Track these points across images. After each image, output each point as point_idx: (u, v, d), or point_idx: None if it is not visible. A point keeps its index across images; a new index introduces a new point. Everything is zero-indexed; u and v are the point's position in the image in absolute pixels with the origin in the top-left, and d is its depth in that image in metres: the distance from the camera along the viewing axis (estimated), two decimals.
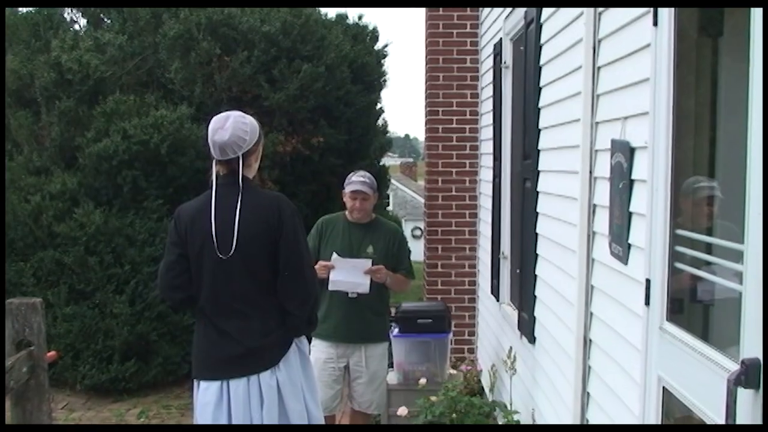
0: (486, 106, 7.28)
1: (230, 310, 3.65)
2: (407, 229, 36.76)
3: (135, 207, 8.10)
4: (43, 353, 3.69)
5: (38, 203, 7.99)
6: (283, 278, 3.63)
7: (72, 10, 9.60)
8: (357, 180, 5.44)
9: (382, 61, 10.66)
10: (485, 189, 7.27)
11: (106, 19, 9.56)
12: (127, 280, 7.95)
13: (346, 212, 5.53)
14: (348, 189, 5.43)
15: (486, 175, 7.22)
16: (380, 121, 11.44)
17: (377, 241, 5.46)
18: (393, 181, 33.08)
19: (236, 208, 3.60)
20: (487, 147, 7.15)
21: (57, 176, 8.17)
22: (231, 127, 3.63)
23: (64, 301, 7.84)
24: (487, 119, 7.19)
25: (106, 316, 7.81)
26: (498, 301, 6.32)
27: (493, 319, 6.71)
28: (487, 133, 7.17)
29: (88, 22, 9.65)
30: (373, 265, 5.36)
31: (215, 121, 3.68)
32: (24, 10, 9.51)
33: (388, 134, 15.10)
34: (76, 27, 9.58)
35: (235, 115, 3.70)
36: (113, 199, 8.08)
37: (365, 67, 9.88)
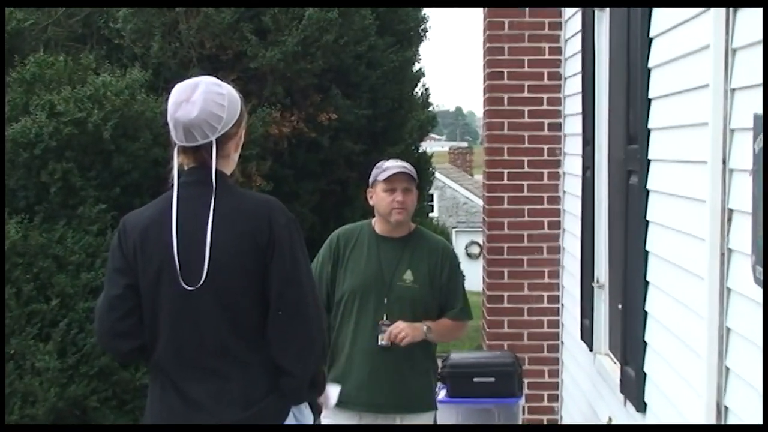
0: (572, 66, 7.26)
1: (199, 368, 3.61)
2: (459, 244, 36.70)
3: (66, 215, 8.13)
4: None
5: None
6: (275, 319, 3.58)
7: None
8: (395, 164, 5.37)
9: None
10: (571, 187, 7.26)
11: None
12: (55, 320, 7.98)
13: (374, 220, 5.46)
14: (382, 177, 5.32)
15: (572, 166, 7.21)
16: (419, 89, 11.46)
17: (419, 264, 5.37)
18: (439, 175, 33.07)
19: (208, 216, 3.56)
20: (573, 125, 7.13)
21: None
22: (201, 99, 3.57)
23: None
24: (573, 85, 7.17)
25: (26, 373, 7.83)
26: (591, 350, 6.30)
27: (584, 376, 6.68)
28: (573, 105, 7.15)
29: None
30: (407, 298, 5.27)
31: (178, 91, 3.63)
32: None
33: (430, 108, 15.07)
34: None
35: (207, 81, 3.66)
36: (35, 204, 8.12)
37: (396, 10, 9.88)
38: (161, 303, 3.62)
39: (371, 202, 5.38)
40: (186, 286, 3.53)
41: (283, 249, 3.56)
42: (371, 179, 5.37)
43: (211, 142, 3.57)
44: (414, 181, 5.36)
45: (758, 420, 3.39)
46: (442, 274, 5.38)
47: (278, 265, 3.56)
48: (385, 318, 5.25)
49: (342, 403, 4.91)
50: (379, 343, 5.21)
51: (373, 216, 5.44)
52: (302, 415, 3.77)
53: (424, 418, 5.45)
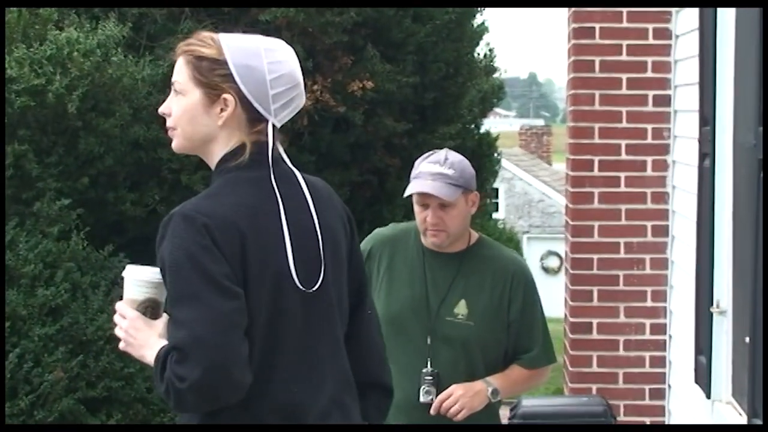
0: (685, 22, 7.24)
1: (329, 405, 3.61)
2: (533, 255, 36.76)
3: (19, 212, 8.16)
4: None
5: None
6: (366, 323, 3.72)
7: None
8: (428, 170, 5.03)
9: None
10: (683, 180, 7.25)
11: None
12: (4, 350, 7.97)
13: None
14: (409, 188, 5.03)
15: (685, 153, 7.17)
16: (482, 50, 11.41)
17: (477, 293, 5.09)
18: (506, 163, 33.10)
19: (305, 199, 3.63)
20: (687, 100, 7.10)
21: None
22: (296, 66, 3.68)
23: None
24: (687, 46, 7.14)
25: None
26: (709, 396, 6.22)
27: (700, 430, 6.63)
28: (687, 73, 7.11)
29: None
30: (458, 340, 5.01)
31: (281, 51, 3.67)
32: None
33: (496, 75, 15.06)
34: None
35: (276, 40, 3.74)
36: None
37: None
38: (285, 313, 3.59)
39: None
40: (303, 288, 3.55)
41: (355, 236, 3.77)
42: (411, 177, 5.11)
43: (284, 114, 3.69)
44: (457, 189, 4.99)
45: None
46: (511, 307, 5.09)
47: (360, 256, 3.79)
48: (428, 365, 4.95)
49: None
50: (421, 400, 4.96)
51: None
52: None
53: None
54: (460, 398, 4.88)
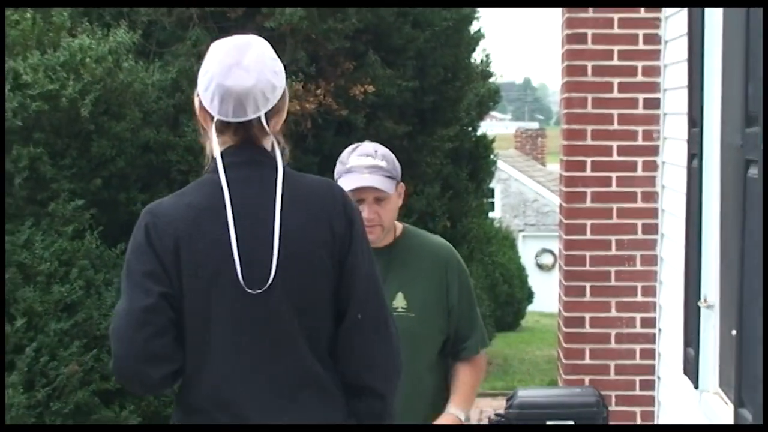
0: (674, 27, 7.26)
1: (270, 399, 3.56)
2: (528, 252, 36.73)
3: (34, 213, 8.16)
4: None
5: None
6: (355, 327, 3.57)
7: None
8: (362, 164, 4.78)
9: None
10: (672, 180, 7.27)
11: None
12: (21, 345, 8.01)
13: None
14: (344, 183, 4.61)
15: (674, 154, 7.20)
16: (478, 56, 11.43)
17: (414, 283, 4.82)
18: (502, 164, 33.01)
19: (273, 200, 3.54)
20: (676, 102, 7.12)
21: None
22: (255, 64, 3.57)
23: None
24: (675, 51, 7.17)
25: None
26: (697, 387, 6.25)
27: (687, 420, 6.66)
28: (676, 76, 7.14)
29: None
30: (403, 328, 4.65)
31: (223, 52, 3.61)
32: None
33: (492, 79, 15.07)
34: None
35: (258, 42, 3.66)
36: None
37: None
38: (218, 314, 3.56)
39: None
40: (249, 290, 3.49)
41: (361, 241, 3.62)
42: (336, 174, 4.81)
43: (260, 117, 3.57)
44: (392, 182, 4.76)
45: None
46: (449, 293, 4.83)
47: (360, 259, 3.59)
48: None
49: None
50: None
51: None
52: None
53: None
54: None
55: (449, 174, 12.32)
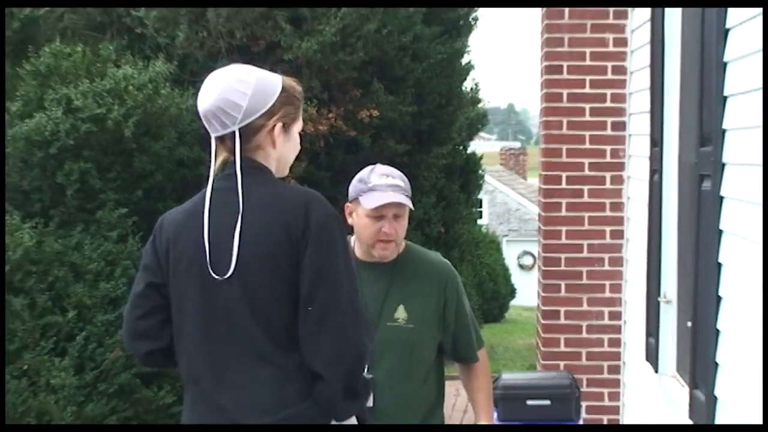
0: (638, 60, 7.26)
1: (231, 373, 3.57)
2: (510, 255, 36.73)
3: (84, 220, 8.17)
4: None
5: None
6: (305, 317, 3.51)
7: None
8: (384, 183, 4.51)
9: None
10: (636, 192, 7.26)
11: None
12: (72, 333, 8.01)
13: (353, 240, 4.61)
14: (368, 202, 4.46)
15: (638, 170, 7.20)
16: (468, 84, 11.46)
17: (414, 297, 4.57)
18: (489, 178, 33.14)
19: (239, 205, 3.54)
20: (640, 125, 7.12)
21: None
22: (220, 86, 3.57)
23: None
24: (640, 80, 7.16)
25: (40, 390, 7.87)
26: (656, 371, 6.28)
27: (648, 400, 6.67)
28: (640, 102, 7.14)
29: None
30: (400, 343, 4.48)
31: (207, 78, 3.63)
32: None
33: (481, 104, 15.08)
34: None
35: (236, 68, 3.64)
36: (51, 208, 8.16)
37: None
38: (190, 298, 3.62)
39: (349, 221, 4.56)
40: (214, 276, 3.51)
41: (319, 242, 3.49)
42: (352, 192, 4.54)
43: (234, 132, 3.56)
44: (408, 200, 4.50)
45: None
46: (446, 308, 4.60)
47: (312, 258, 3.49)
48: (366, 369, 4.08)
49: None
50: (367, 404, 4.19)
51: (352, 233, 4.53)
52: None
53: None
54: None
55: (443, 186, 12.36)
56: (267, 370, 3.53)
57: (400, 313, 4.44)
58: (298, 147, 3.70)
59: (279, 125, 3.57)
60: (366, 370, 3.61)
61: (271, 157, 3.61)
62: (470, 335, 4.68)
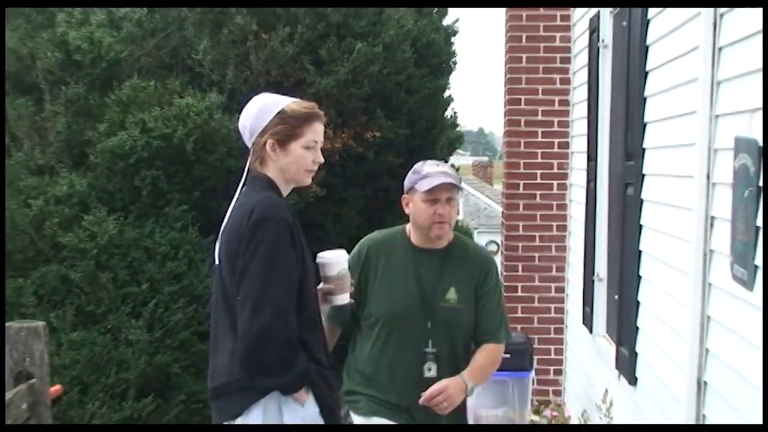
0: (579, 95, 7.24)
1: (216, 340, 3.46)
2: (481, 243, 36.50)
3: (155, 214, 8.23)
4: (45, 387, 3.76)
5: (41, 209, 8.14)
6: (238, 305, 3.31)
7: None
8: (436, 170, 4.00)
9: (452, 40, 10.66)
10: (577, 196, 7.23)
11: None
12: (145, 301, 8.06)
13: (408, 228, 4.11)
14: (422, 186, 3.96)
15: (578, 178, 7.18)
16: (449, 112, 11.48)
17: (462, 280, 4.05)
18: (464, 184, 33.04)
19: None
20: (579, 144, 7.10)
21: (63, 177, 8.33)
22: (243, 112, 3.48)
23: (71, 326, 7.97)
24: (580, 110, 7.15)
25: (120, 344, 7.93)
26: (591, 332, 6.28)
27: (584, 354, 6.67)
28: (580, 127, 7.12)
29: None
30: (453, 322, 3.99)
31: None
32: None
33: (458, 128, 15.08)
34: None
35: (255, 97, 3.48)
36: (129, 205, 8.22)
37: (431, 46, 9.90)
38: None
39: (407, 210, 4.06)
40: (216, 262, 3.43)
41: (248, 242, 3.27)
42: (407, 185, 4.04)
43: (250, 147, 3.44)
44: (457, 189, 4.03)
45: (733, 393, 3.38)
46: (482, 289, 4.06)
47: (243, 256, 3.29)
48: (430, 345, 3.92)
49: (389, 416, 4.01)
50: (425, 375, 3.93)
51: (407, 221, 4.11)
52: (288, 406, 3.31)
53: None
54: (447, 396, 3.87)
55: None
56: (228, 343, 3.34)
57: (451, 295, 3.97)
58: (303, 159, 3.38)
59: (270, 141, 3.33)
60: (281, 353, 3.25)
61: (274, 168, 3.37)
62: (493, 322, 4.07)
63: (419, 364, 3.91)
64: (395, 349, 3.96)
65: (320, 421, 3.31)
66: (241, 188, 3.43)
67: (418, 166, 4.05)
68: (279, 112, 3.35)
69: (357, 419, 4.06)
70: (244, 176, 3.44)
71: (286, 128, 3.33)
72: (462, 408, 4.08)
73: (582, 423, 6.22)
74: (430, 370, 3.89)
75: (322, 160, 3.42)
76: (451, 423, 4.05)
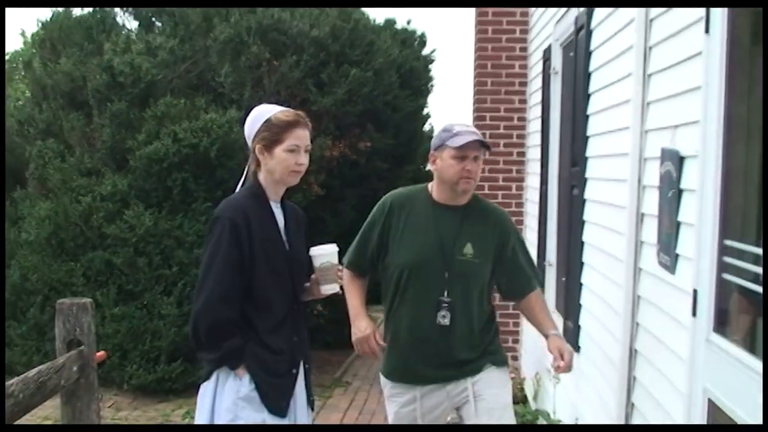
0: (534, 113, 7.27)
1: None
2: None
3: (184, 209, 8.19)
4: (92, 353, 3.77)
5: (89, 204, 8.13)
6: None
7: (124, 14, 9.77)
8: (466, 129, 3.58)
9: (430, 66, 10.69)
10: (532, 196, 7.26)
11: (157, 23, 9.71)
12: (175, 281, 8.03)
13: (431, 186, 3.71)
14: (453, 143, 3.53)
15: (533, 181, 7.20)
16: (427, 126, 11.50)
17: (480, 237, 3.61)
18: None
19: None
20: (534, 153, 7.13)
21: (108, 178, 8.31)
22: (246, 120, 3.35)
23: (113, 302, 7.96)
24: (534, 125, 7.17)
25: (154, 317, 7.90)
26: None
27: None
28: (534, 139, 7.14)
29: (140, 25, 9.80)
30: (469, 274, 3.59)
31: None
32: (77, 12, 9.69)
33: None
34: (128, 30, 9.73)
35: (258, 106, 3.37)
36: (163, 201, 8.19)
37: (413, 72, 9.92)
38: None
39: (433, 168, 3.66)
40: None
41: (206, 242, 3.20)
42: (437, 142, 3.62)
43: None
44: (484, 149, 3.62)
45: (657, 358, 3.40)
46: (506, 248, 3.65)
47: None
48: (446, 295, 3.55)
49: (406, 379, 3.66)
50: (439, 322, 3.55)
51: (429, 181, 3.78)
52: (229, 381, 3.15)
53: (498, 373, 3.66)
54: (570, 360, 3.53)
55: None
56: None
57: (468, 249, 3.57)
58: (286, 161, 3.19)
59: (259, 146, 3.21)
60: (209, 335, 3.09)
61: (265, 170, 3.24)
62: (526, 272, 3.72)
63: (434, 312, 3.53)
64: (413, 298, 3.58)
65: (256, 400, 3.10)
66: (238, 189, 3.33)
67: (448, 125, 3.62)
68: (266, 121, 3.22)
69: (382, 379, 3.76)
70: (243, 177, 3.35)
71: (270, 134, 3.20)
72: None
73: (535, 383, 6.23)
74: (445, 317, 3.53)
75: (303, 161, 3.21)
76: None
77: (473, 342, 3.59)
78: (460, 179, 3.53)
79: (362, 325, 3.65)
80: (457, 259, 3.54)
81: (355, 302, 3.75)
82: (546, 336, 3.62)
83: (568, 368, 3.49)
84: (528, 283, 3.71)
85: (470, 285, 3.58)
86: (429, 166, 3.67)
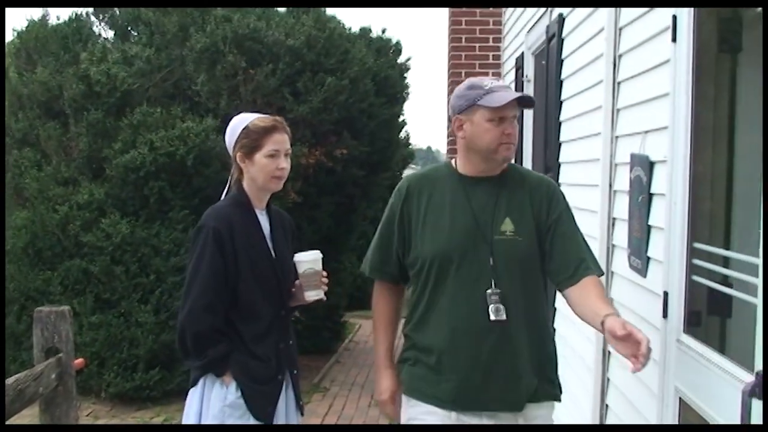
0: None
1: None
2: None
3: (161, 217, 8.16)
4: (71, 360, 3.76)
5: (66, 213, 8.08)
6: None
7: (101, 23, 9.72)
8: (500, 85, 2.82)
9: (405, 75, 10.73)
10: None
11: (133, 32, 9.67)
12: (152, 289, 8.00)
13: (454, 160, 2.96)
14: (492, 101, 2.75)
15: None
16: (402, 134, 11.55)
17: (519, 209, 2.83)
18: None
19: None
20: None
21: (84, 187, 8.27)
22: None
23: (90, 310, 7.92)
24: None
25: (131, 325, 7.86)
26: None
27: None
28: None
29: (115, 34, 9.76)
30: (515, 257, 2.78)
31: None
32: (54, 21, 9.63)
33: (410, 146, 15.18)
34: (104, 40, 9.68)
35: (237, 116, 3.33)
36: (139, 210, 8.16)
37: (388, 80, 9.94)
38: None
39: (460, 134, 2.85)
40: None
41: (191, 248, 3.18)
42: (462, 103, 2.82)
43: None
44: (525, 105, 2.89)
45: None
46: (550, 216, 2.81)
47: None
48: (493, 286, 2.72)
49: (438, 400, 2.78)
50: (493, 318, 2.71)
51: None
52: (216, 388, 3.11)
53: (543, 411, 2.82)
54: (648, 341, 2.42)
55: (387, 197, 12.32)
56: None
57: (507, 226, 2.77)
58: (267, 167, 3.13)
59: (239, 154, 3.17)
60: (193, 343, 3.04)
61: (248, 178, 3.18)
62: (580, 250, 2.79)
63: (481, 309, 2.72)
64: (450, 294, 2.77)
65: (242, 407, 3.06)
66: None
67: (476, 81, 2.84)
68: (244, 128, 3.17)
69: (404, 399, 2.92)
70: (226, 187, 3.33)
71: (249, 141, 3.15)
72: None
73: None
74: (499, 311, 2.70)
75: (284, 165, 3.14)
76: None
77: (532, 353, 2.79)
78: (499, 145, 2.76)
79: (381, 386, 2.97)
80: (495, 239, 2.76)
81: (379, 347, 3.01)
82: (602, 321, 2.51)
83: (647, 355, 2.42)
84: (582, 263, 2.76)
85: (519, 271, 2.77)
86: (455, 134, 2.89)
